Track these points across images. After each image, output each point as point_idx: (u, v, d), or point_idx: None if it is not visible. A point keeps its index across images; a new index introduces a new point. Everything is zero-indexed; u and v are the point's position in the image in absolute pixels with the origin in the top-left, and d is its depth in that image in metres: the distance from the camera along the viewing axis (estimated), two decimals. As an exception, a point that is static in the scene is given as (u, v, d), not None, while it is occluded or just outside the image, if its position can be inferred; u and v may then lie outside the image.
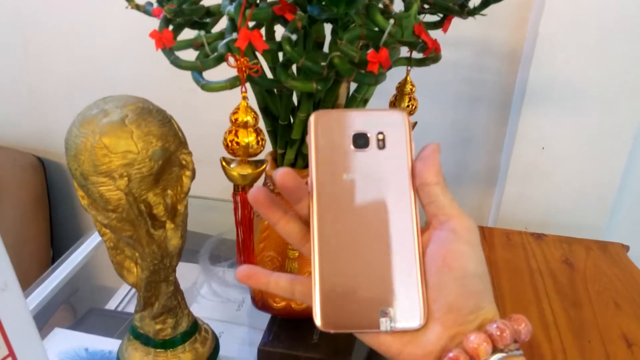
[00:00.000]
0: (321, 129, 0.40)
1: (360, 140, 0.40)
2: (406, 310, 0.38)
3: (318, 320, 0.38)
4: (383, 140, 0.40)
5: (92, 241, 1.12)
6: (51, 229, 1.49)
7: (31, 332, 0.57)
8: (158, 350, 0.69)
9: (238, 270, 0.43)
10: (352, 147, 0.40)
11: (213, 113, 0.94)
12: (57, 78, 1.34)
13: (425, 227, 0.41)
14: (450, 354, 0.36)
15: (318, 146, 0.40)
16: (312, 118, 0.41)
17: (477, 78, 1.12)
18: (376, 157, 0.40)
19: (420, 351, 0.37)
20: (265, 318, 0.88)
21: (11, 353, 0.55)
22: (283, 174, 0.39)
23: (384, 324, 0.38)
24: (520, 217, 1.12)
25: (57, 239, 1.52)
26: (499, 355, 0.36)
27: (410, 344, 0.38)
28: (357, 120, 0.40)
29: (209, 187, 1.03)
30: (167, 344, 0.69)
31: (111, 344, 0.81)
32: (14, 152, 1.45)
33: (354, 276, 0.38)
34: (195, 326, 0.73)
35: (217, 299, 0.95)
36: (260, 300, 0.85)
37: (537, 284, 0.91)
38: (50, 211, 1.48)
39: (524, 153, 1.09)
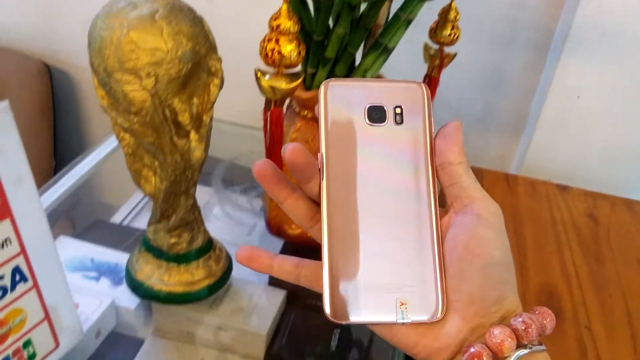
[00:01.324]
0: (333, 99, 0.36)
1: (376, 114, 0.36)
2: (424, 300, 0.35)
3: (328, 310, 0.34)
4: (401, 114, 0.36)
5: (97, 155, 1.07)
6: (54, 140, 1.44)
7: (43, 228, 0.54)
8: (171, 264, 0.67)
9: (239, 251, 0.38)
10: (366, 121, 0.36)
11: (227, 29, 0.88)
12: (69, -22, 1.26)
13: (444, 211, 0.37)
14: (472, 349, 0.33)
15: (329, 119, 0.36)
16: (322, 87, 0.37)
17: (517, 17, 1.06)
18: (393, 132, 0.36)
19: (438, 344, 0.34)
20: (276, 245, 0.86)
21: (23, 250, 0.52)
22: (293, 150, 0.35)
23: (400, 315, 0.34)
24: (546, 167, 1.08)
25: (60, 150, 1.48)
26: (523, 351, 0.33)
27: (427, 336, 0.35)
28: (373, 91, 0.37)
29: (222, 110, 0.98)
30: (181, 259, 0.66)
31: (118, 257, 0.78)
32: (19, 55, 1.38)
33: (366, 262, 0.35)
34: (210, 244, 0.70)
35: (230, 220, 0.92)
36: (275, 226, 0.82)
37: (559, 236, 0.88)
38: (54, 120, 1.43)
39: (558, 101, 1.04)
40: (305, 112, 0.77)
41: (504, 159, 1.19)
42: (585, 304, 0.76)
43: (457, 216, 0.36)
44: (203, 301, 0.70)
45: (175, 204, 0.63)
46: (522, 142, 1.14)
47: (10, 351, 0.54)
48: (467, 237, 0.34)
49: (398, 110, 0.36)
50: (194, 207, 0.66)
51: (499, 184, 1.01)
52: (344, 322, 0.34)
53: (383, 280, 0.34)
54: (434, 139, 0.37)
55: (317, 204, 0.37)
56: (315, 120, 0.78)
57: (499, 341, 0.32)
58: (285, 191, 0.38)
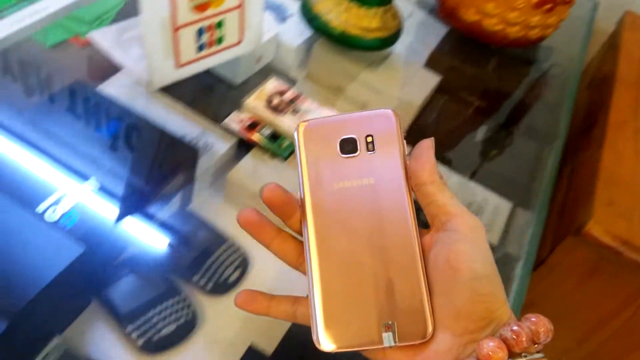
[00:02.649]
0: (307, 138, 0.38)
1: (348, 146, 0.38)
2: (410, 322, 0.35)
3: (317, 341, 0.35)
4: (372, 142, 0.38)
5: None
6: None
7: None
8: (352, 3, 0.64)
9: (237, 296, 0.39)
10: (340, 153, 0.38)
11: None
12: None
13: (426, 230, 0.38)
14: None
15: (306, 157, 0.38)
16: (298, 129, 0.38)
17: None
18: (367, 161, 0.38)
19: None
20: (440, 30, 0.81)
21: None
22: (270, 189, 0.37)
23: (387, 339, 0.35)
24: None
25: None
26: None
27: (419, 357, 0.35)
28: (344, 125, 0.38)
29: None
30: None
31: None
32: None
33: (352, 290, 0.36)
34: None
35: None
36: (448, 9, 0.78)
37: None
38: None
39: None
40: None
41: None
42: None
43: (437, 234, 0.36)
44: (363, 59, 0.68)
45: None
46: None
47: (206, 23, 0.54)
48: (448, 253, 0.35)
49: (369, 139, 0.38)
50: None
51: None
52: (334, 351, 0.35)
53: (370, 306, 0.36)
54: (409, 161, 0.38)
55: (301, 241, 0.38)
56: None
57: (489, 353, 0.32)
58: (270, 234, 0.39)
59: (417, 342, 0.35)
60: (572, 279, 0.75)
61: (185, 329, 0.50)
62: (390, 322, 0.36)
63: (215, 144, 0.60)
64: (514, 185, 0.75)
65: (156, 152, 0.50)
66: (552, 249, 0.72)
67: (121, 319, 0.48)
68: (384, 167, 0.38)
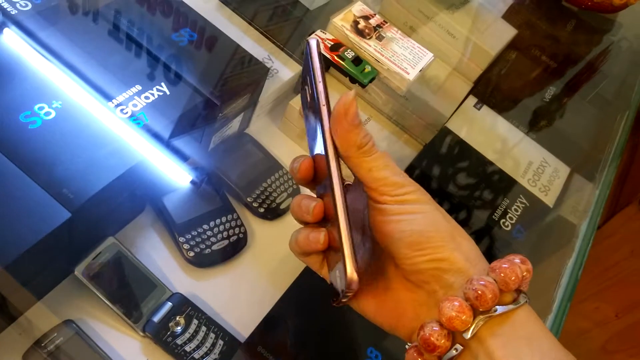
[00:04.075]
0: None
1: None
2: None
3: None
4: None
5: None
6: None
7: None
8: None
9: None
10: None
11: None
12: None
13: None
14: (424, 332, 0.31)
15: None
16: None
17: None
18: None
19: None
20: None
21: None
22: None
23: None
24: None
25: None
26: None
27: (382, 308, 0.35)
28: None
29: None
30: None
31: None
32: None
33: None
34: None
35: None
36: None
37: None
38: None
39: None
40: None
41: None
42: None
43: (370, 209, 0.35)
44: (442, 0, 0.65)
45: None
46: None
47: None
48: (379, 225, 0.34)
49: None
50: None
51: None
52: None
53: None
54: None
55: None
56: None
57: (451, 316, 0.30)
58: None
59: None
60: (624, 250, 0.73)
61: (235, 248, 0.50)
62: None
63: (280, 71, 0.59)
64: (575, 150, 0.72)
65: (229, 66, 0.49)
66: (608, 218, 0.70)
67: (175, 229, 0.48)
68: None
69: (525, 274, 0.31)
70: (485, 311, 0.30)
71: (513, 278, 0.30)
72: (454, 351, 0.31)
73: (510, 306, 0.30)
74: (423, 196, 0.34)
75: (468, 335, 0.30)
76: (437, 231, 0.32)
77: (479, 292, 0.30)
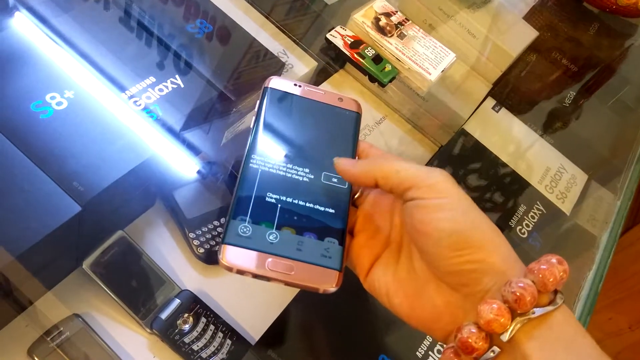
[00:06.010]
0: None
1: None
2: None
3: None
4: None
5: None
6: None
7: None
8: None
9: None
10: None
11: None
12: None
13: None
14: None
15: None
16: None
17: None
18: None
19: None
20: None
21: None
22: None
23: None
24: None
25: None
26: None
27: (416, 307, 0.35)
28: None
29: None
30: None
31: None
32: None
33: None
34: None
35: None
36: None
37: None
38: None
39: None
40: None
41: None
42: None
43: (401, 204, 0.36)
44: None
45: None
46: None
47: None
48: (413, 221, 0.34)
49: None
50: None
51: None
52: None
53: None
54: None
55: None
56: None
57: (490, 318, 0.30)
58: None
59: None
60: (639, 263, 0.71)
61: (245, 246, 0.49)
62: None
63: (296, 66, 0.58)
64: (594, 157, 0.71)
65: (244, 60, 0.48)
66: (628, 228, 0.69)
67: (185, 225, 0.48)
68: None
69: (562, 274, 0.31)
70: (523, 313, 0.30)
71: (551, 279, 0.30)
72: (492, 353, 0.30)
73: (548, 308, 0.30)
74: (451, 183, 0.34)
75: (506, 337, 0.30)
76: (476, 230, 0.32)
77: (518, 294, 0.29)
